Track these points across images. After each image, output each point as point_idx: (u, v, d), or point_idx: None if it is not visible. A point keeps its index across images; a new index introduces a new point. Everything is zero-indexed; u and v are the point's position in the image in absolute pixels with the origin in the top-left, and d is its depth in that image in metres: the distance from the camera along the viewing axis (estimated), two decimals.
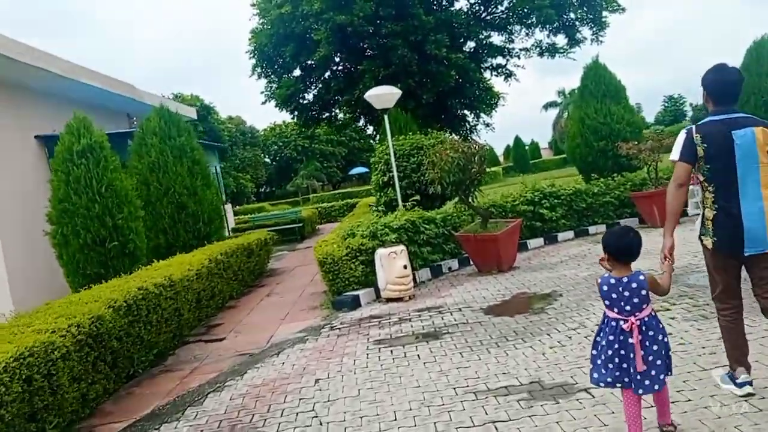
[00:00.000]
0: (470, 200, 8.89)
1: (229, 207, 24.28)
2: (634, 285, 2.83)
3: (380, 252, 7.48)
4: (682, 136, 3.29)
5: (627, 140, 11.47)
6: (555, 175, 25.10)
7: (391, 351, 5.29)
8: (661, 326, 2.91)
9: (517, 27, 21.61)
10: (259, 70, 20.95)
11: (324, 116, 23.21)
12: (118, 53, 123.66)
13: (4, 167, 8.99)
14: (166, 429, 4.28)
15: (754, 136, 3.09)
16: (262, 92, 21.62)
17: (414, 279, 8.16)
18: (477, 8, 21.64)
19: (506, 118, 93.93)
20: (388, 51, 18.27)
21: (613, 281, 2.88)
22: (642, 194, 10.47)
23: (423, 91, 19.10)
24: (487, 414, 3.62)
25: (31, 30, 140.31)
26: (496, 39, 22.39)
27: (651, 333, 2.83)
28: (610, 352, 2.85)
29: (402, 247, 7.60)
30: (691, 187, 4.49)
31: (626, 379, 2.83)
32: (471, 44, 21.79)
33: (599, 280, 2.94)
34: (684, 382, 3.61)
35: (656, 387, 2.81)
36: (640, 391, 2.81)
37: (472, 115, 23.28)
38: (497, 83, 43.01)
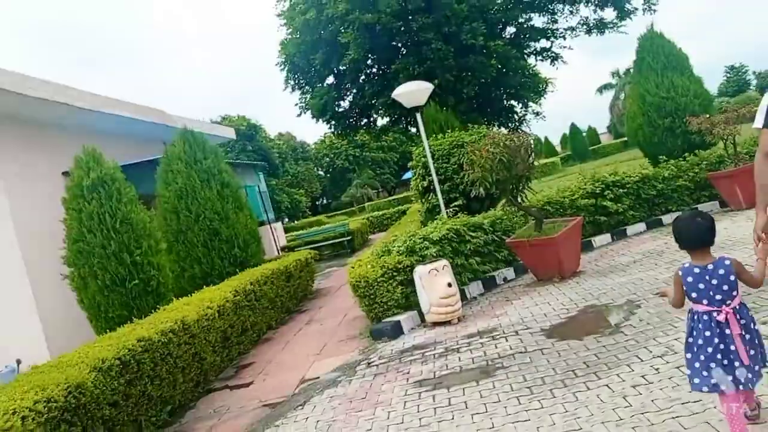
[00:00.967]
0: (519, 200, 7.83)
1: (279, 225, 23.89)
2: (721, 271, 2.58)
3: (419, 270, 6.53)
4: (766, 100, 2.93)
5: (696, 114, 10.13)
6: (617, 161, 23.35)
7: (433, 397, 4.35)
8: (750, 314, 2.67)
9: (560, 5, 19.96)
10: (291, 82, 20.34)
11: (362, 123, 22.32)
12: (176, 82, 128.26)
13: (33, 206, 8.70)
14: None
15: None
16: (296, 104, 20.97)
17: (464, 296, 7.21)
18: None
19: (559, 106, 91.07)
20: (421, 46, 17.25)
21: (697, 270, 2.63)
22: (721, 174, 9.08)
23: (463, 85, 17.90)
24: None
25: (93, 66, 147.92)
26: (538, 21, 20.79)
27: (743, 322, 2.60)
28: (710, 350, 2.57)
29: (444, 261, 6.61)
30: None
31: (730, 378, 2.54)
32: (511, 30, 20.39)
33: (680, 272, 2.67)
34: None
35: (757, 380, 2.57)
36: (741, 387, 2.54)
37: (520, 105, 21.79)
38: (544, 68, 41.39)
